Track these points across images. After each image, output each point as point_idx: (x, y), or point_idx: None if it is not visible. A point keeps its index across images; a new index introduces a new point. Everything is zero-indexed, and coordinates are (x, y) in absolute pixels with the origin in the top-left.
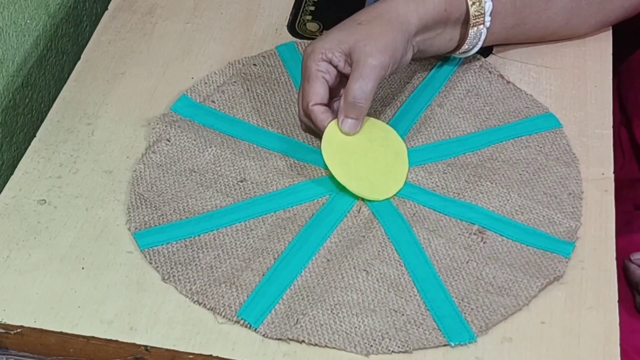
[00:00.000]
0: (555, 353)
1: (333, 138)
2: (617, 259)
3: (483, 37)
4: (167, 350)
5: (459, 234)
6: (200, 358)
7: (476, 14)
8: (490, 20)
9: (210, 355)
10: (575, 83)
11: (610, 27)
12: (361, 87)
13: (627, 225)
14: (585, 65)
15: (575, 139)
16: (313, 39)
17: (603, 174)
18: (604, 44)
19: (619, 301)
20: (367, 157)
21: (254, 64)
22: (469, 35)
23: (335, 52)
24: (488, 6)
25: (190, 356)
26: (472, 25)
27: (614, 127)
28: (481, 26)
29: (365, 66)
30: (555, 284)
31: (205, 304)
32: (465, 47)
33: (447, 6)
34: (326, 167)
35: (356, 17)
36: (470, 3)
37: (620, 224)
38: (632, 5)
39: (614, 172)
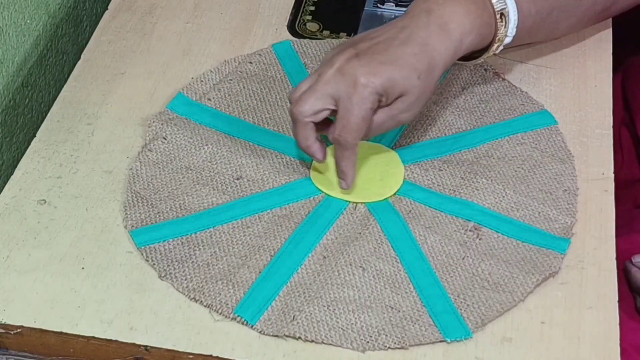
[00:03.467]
0: (555, 353)
1: (321, 166)
2: (617, 259)
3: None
4: (166, 350)
5: (455, 231)
6: (200, 358)
7: (494, 49)
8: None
9: (210, 355)
10: (575, 83)
11: (610, 27)
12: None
13: (627, 225)
14: (585, 65)
15: (575, 139)
16: (313, 39)
17: (603, 173)
18: (604, 44)
19: (619, 301)
20: (358, 173)
21: (250, 62)
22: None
23: (387, 95)
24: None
25: (190, 356)
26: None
27: (613, 126)
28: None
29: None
30: (555, 284)
31: (202, 301)
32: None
33: (475, 46)
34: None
35: (415, 63)
36: (495, 40)
37: (620, 224)
38: (629, 5)
39: (614, 172)
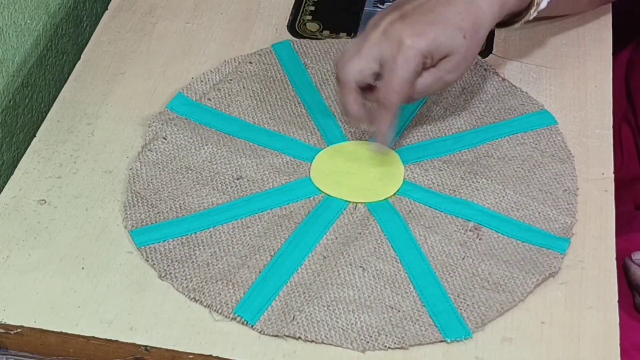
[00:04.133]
0: (555, 353)
1: (321, 166)
2: (617, 258)
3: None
4: (167, 350)
5: (455, 231)
6: (200, 358)
7: (532, 12)
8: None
9: (210, 355)
10: (575, 83)
11: (610, 28)
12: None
13: (627, 225)
14: (585, 65)
15: (575, 139)
16: (313, 39)
17: (603, 174)
18: (604, 44)
19: (619, 300)
20: (358, 173)
21: (250, 62)
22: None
23: (432, 56)
24: (542, 6)
25: (190, 356)
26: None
27: (613, 125)
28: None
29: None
30: (555, 284)
31: (202, 302)
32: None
33: (516, 7)
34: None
35: (461, 21)
36: (533, 2)
37: (620, 224)
38: None
39: (614, 172)
